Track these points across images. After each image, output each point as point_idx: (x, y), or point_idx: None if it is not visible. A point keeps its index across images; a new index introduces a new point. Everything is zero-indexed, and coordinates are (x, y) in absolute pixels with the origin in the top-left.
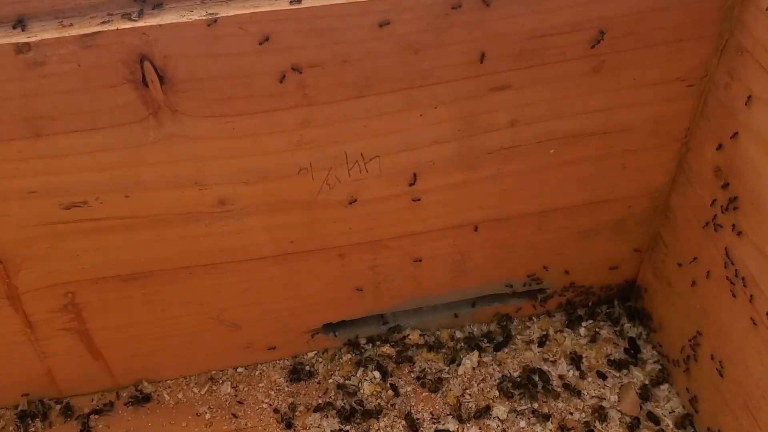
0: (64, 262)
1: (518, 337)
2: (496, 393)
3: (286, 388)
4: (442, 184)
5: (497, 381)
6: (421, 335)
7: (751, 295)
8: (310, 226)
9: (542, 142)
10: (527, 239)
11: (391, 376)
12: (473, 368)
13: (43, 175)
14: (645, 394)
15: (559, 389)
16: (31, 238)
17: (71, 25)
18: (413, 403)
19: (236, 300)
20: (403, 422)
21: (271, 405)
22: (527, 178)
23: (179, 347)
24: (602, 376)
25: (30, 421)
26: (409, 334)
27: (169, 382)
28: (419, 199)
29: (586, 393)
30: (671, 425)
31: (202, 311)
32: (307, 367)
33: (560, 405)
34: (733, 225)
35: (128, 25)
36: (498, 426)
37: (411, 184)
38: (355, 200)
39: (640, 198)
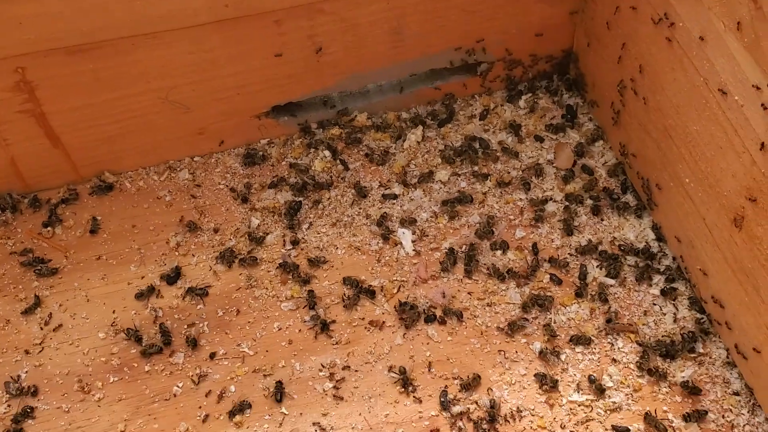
0: (8, 31)
1: (461, 113)
2: (439, 161)
3: (241, 171)
4: None
5: (440, 151)
6: (368, 118)
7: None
8: None
9: None
10: (460, 4)
11: (341, 154)
12: (418, 142)
13: None
14: (580, 151)
15: (498, 153)
16: None
17: None
18: (362, 175)
19: (182, 78)
20: (353, 191)
21: (227, 186)
22: None
23: (135, 134)
24: (540, 139)
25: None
26: (356, 117)
27: (130, 172)
28: None
29: (523, 155)
30: (604, 174)
31: (150, 90)
32: (261, 153)
33: (499, 166)
34: None
35: None
36: (440, 188)
37: None
38: None
39: None
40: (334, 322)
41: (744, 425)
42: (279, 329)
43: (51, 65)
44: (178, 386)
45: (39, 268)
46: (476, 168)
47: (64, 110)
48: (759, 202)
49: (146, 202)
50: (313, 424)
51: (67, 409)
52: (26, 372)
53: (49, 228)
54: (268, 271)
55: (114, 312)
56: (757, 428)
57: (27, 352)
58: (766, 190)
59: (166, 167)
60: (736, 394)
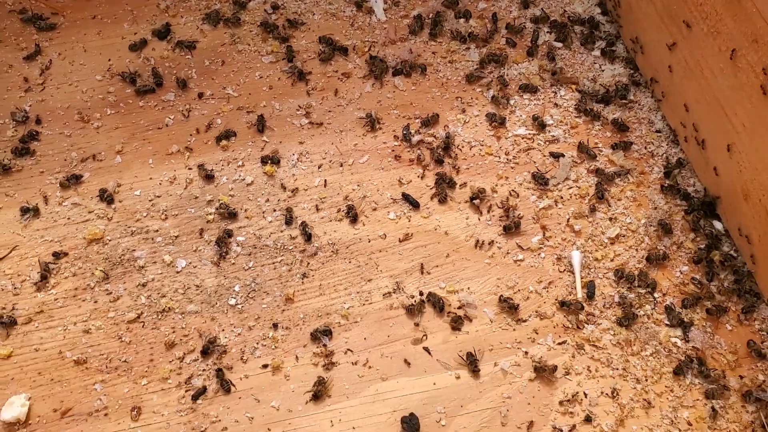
0: None
1: None
2: None
3: None
4: None
5: None
6: None
7: None
8: None
9: None
10: None
11: None
12: None
13: None
14: None
15: None
16: None
17: None
18: None
19: None
20: None
21: None
22: None
23: None
24: None
25: None
26: None
27: None
28: None
29: None
30: None
31: None
32: None
33: None
34: None
35: None
36: None
37: None
38: None
39: None
40: (310, 73)
41: (662, 154)
42: (260, 77)
43: None
44: (169, 118)
45: (38, 23)
46: None
47: None
48: None
49: None
50: (291, 150)
51: (69, 134)
52: (30, 105)
53: None
54: (251, 31)
55: (109, 60)
56: (671, 150)
57: (30, 89)
58: None
59: None
60: (658, 131)
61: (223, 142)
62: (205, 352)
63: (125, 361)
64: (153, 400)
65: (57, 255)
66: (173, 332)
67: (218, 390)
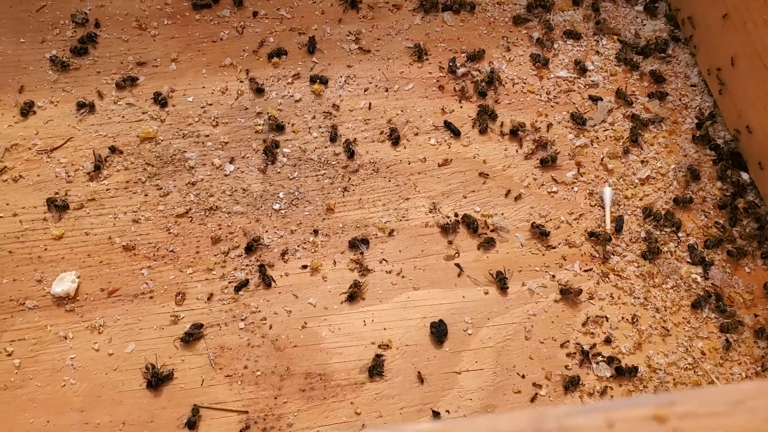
0: None
1: None
2: None
3: None
4: None
5: None
6: None
7: None
8: None
9: None
10: None
11: None
12: None
13: None
14: None
15: None
16: None
17: None
18: None
19: None
20: None
21: None
22: None
23: None
24: None
25: None
26: None
27: None
28: None
29: None
30: None
31: None
32: None
33: None
34: None
35: None
36: None
37: None
38: None
39: None
40: (361, 2)
41: (696, 106)
42: (313, 2)
43: None
44: (224, 33)
45: None
46: None
47: None
48: None
49: None
50: (339, 72)
51: (126, 40)
52: (89, 9)
53: None
54: None
55: None
56: (704, 104)
57: None
58: None
59: None
60: (693, 85)
61: (275, 60)
62: (249, 249)
63: (172, 251)
64: (197, 288)
65: (112, 149)
66: (219, 229)
67: (259, 284)
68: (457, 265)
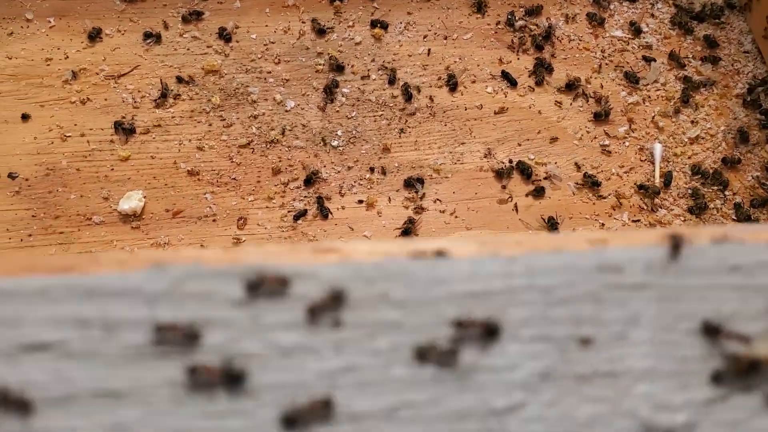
0: None
1: None
2: None
3: None
4: None
5: None
6: None
7: None
8: None
9: None
10: None
11: None
12: None
13: None
14: None
15: None
16: None
17: None
18: None
19: None
20: None
21: None
22: None
23: None
24: None
25: None
26: None
27: None
28: None
29: None
30: None
31: None
32: None
33: None
34: None
35: None
36: None
37: None
38: None
39: None
40: None
41: (748, 72)
42: None
43: None
44: None
45: None
46: None
47: None
48: None
49: None
50: (399, 18)
51: None
52: None
53: None
54: None
55: None
56: (757, 70)
57: None
58: None
59: None
60: (746, 52)
61: (336, 3)
62: (308, 182)
63: (234, 178)
64: (258, 214)
65: (179, 79)
66: (279, 161)
67: (317, 215)
68: (514, 206)
